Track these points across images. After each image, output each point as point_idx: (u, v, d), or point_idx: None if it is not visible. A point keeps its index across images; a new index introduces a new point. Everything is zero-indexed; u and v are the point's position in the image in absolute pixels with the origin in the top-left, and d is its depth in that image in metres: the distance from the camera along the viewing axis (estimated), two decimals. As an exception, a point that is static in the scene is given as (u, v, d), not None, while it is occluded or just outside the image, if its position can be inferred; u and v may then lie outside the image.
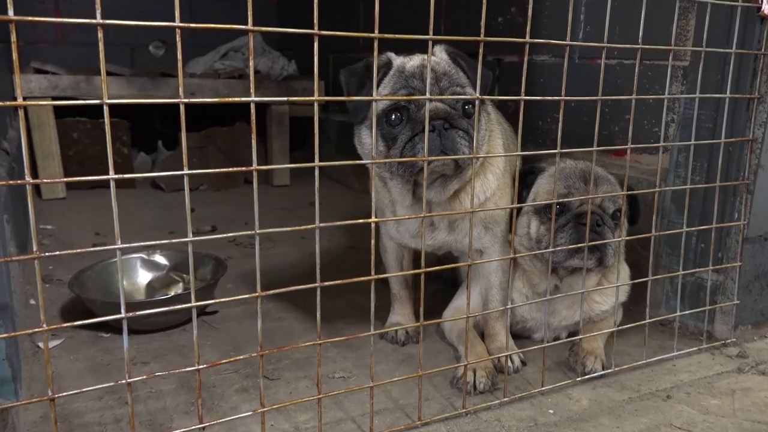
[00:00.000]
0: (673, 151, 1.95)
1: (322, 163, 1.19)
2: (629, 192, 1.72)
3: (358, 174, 3.92)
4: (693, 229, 1.72)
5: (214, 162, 3.93)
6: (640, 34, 1.50)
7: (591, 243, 1.57)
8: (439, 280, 2.35)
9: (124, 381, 1.10)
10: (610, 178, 1.75)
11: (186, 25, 1.04)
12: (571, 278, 1.74)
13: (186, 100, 1.07)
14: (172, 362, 1.71)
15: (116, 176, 1.04)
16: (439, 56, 1.52)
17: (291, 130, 4.10)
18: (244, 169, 1.15)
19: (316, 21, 1.13)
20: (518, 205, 1.49)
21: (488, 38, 1.29)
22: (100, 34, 0.97)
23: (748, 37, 1.70)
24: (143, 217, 3.18)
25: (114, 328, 1.88)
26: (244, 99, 1.11)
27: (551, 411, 1.50)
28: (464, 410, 1.47)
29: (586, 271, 1.67)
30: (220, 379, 1.62)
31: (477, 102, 1.33)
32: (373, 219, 1.27)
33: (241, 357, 1.24)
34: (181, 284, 2.09)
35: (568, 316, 1.80)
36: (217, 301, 1.22)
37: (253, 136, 1.13)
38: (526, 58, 1.35)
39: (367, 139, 1.56)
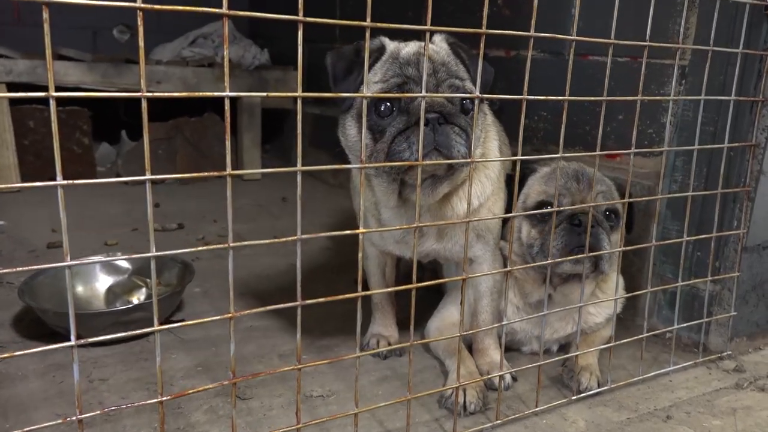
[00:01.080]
0: (669, 155, 1.85)
1: (305, 168, 1.06)
2: (630, 200, 1.62)
3: (334, 169, 3.77)
4: (693, 238, 1.63)
5: (181, 154, 3.74)
6: (648, 31, 1.40)
7: (589, 254, 1.46)
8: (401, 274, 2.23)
9: (74, 417, 0.96)
10: (604, 179, 1.65)
11: (149, 6, 0.89)
12: (564, 287, 1.63)
13: (149, 94, 0.92)
14: (134, 378, 1.56)
15: (64, 182, 0.89)
16: (439, 45, 1.39)
17: (263, 122, 3.94)
18: (216, 174, 1.01)
19: (300, 6, 0.99)
20: (518, 214, 1.38)
21: (491, 31, 1.17)
22: (45, 15, 0.82)
23: (753, 37, 1.61)
24: (105, 212, 3.00)
25: (67, 338, 1.71)
26: (217, 94, 0.98)
27: (547, 434, 1.40)
28: (455, 435, 1.36)
29: (578, 276, 1.58)
30: (187, 399, 1.48)
31: (476, 101, 1.21)
32: (361, 230, 1.14)
33: (211, 386, 1.10)
34: (144, 289, 1.93)
35: (560, 328, 1.70)
36: (187, 323, 1.07)
37: (227, 135, 0.99)
38: (530, 54, 1.23)
39: (352, 131, 1.42)
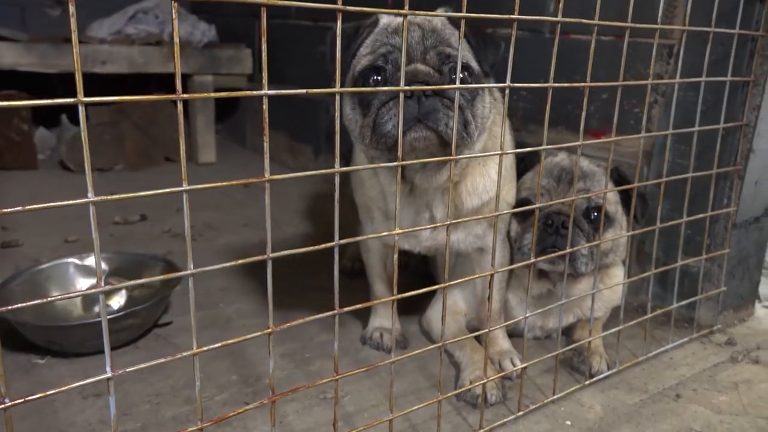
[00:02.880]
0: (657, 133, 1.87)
1: (342, 169, 0.99)
2: (622, 187, 1.61)
3: (293, 150, 3.67)
4: (691, 218, 1.65)
5: (129, 139, 3.53)
6: (659, 13, 1.38)
7: (552, 254, 1.46)
8: (407, 271, 2.19)
9: (112, 454, 0.87)
10: (592, 173, 1.61)
11: (186, -3, 0.79)
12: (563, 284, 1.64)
13: (186, 95, 0.82)
14: (131, 392, 1.46)
15: (96, 198, 0.79)
16: (441, 20, 1.32)
17: (215, 103, 3.77)
18: (255, 179, 0.93)
19: (339, -6, 0.91)
20: (542, 204, 1.35)
21: (521, 17, 1.12)
22: (72, 8, 0.71)
23: (745, 18, 1.63)
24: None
25: (49, 351, 1.59)
26: (255, 93, 0.89)
27: (568, 422, 1.40)
28: (481, 430, 1.34)
29: (575, 276, 1.59)
30: (194, 411, 1.39)
31: (507, 91, 1.16)
32: (397, 231, 1.08)
33: (251, 406, 1.03)
34: (123, 292, 1.81)
35: (563, 318, 1.70)
36: (227, 343, 0.98)
37: (266, 137, 0.90)
38: (557, 38, 1.19)
39: (347, 108, 1.35)
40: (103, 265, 1.83)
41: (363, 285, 1.82)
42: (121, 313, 1.58)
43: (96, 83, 3.71)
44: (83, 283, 1.77)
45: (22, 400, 0.80)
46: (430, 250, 1.58)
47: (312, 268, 2.18)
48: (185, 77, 3.61)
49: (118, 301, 1.79)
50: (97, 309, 1.77)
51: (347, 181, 1.91)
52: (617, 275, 1.72)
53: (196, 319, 1.78)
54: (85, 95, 0.77)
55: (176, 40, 0.78)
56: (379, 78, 1.28)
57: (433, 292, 1.83)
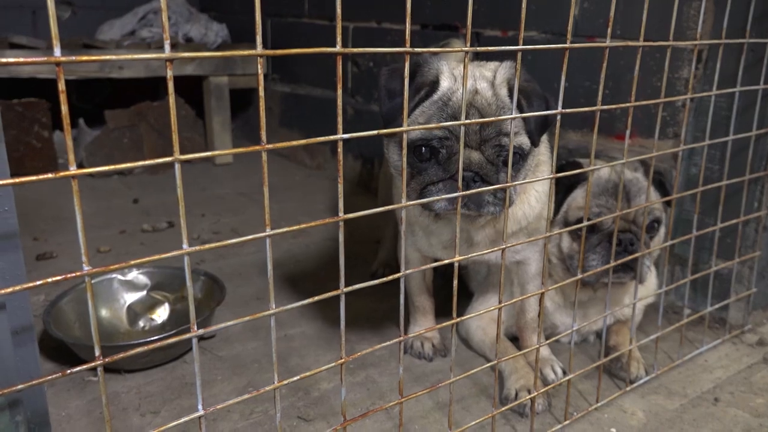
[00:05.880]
0: (687, 138, 1.90)
1: (408, 203, 1.01)
2: (671, 197, 1.63)
3: (311, 149, 3.69)
4: (725, 224, 1.69)
5: (147, 141, 3.55)
6: (699, 28, 1.40)
7: (622, 260, 1.50)
8: (438, 274, 2.23)
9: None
10: (644, 188, 1.64)
11: None
12: (605, 290, 1.67)
13: (270, 145, 0.85)
14: (187, 408, 1.50)
15: (190, 249, 0.82)
16: (498, 88, 1.32)
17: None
18: (330, 220, 0.96)
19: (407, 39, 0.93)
20: (588, 223, 1.38)
21: (574, 45, 1.14)
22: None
23: (775, 24, 1.65)
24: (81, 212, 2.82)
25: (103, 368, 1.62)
26: (330, 138, 0.91)
27: (613, 430, 1.44)
28: (531, 440, 1.38)
29: (621, 284, 1.65)
30: (250, 426, 1.43)
31: (558, 117, 1.19)
32: (457, 258, 1.11)
33: (326, 432, 1.07)
34: (166, 305, 1.85)
35: (599, 321, 1.75)
36: (301, 376, 1.01)
37: (340, 180, 0.93)
38: (605, 63, 1.21)
39: (394, 156, 1.40)
40: (145, 279, 1.86)
41: (395, 290, 1.85)
42: (172, 332, 1.62)
43: (112, 85, 3.72)
44: (128, 298, 1.81)
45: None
46: (468, 263, 1.61)
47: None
48: (200, 79, 3.62)
49: (160, 315, 1.83)
50: (141, 322, 1.81)
51: (378, 181, 1.97)
52: (650, 276, 1.76)
53: (240, 328, 1.82)
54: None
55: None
56: (431, 155, 1.30)
57: (469, 297, 1.88)
